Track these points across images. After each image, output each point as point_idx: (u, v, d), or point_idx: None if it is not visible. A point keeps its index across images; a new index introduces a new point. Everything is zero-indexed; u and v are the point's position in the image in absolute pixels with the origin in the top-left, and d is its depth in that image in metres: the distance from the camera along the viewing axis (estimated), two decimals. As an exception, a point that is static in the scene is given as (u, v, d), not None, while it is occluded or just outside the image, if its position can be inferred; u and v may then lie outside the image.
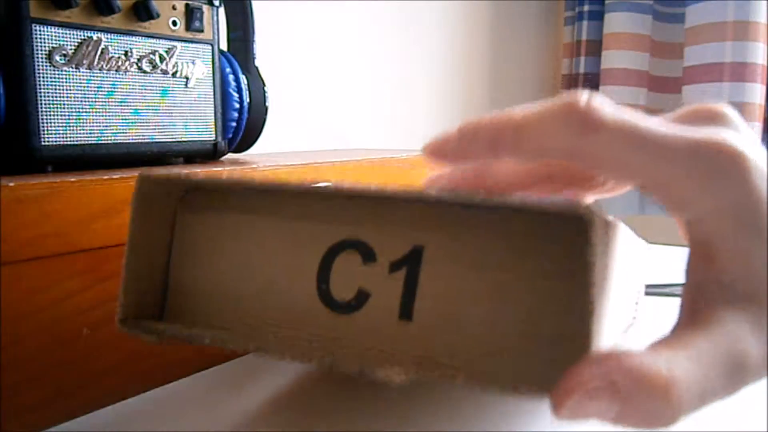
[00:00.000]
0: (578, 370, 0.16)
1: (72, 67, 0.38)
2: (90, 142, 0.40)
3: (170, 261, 0.27)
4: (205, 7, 0.45)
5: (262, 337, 0.23)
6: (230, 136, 0.49)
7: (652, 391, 0.16)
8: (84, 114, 0.39)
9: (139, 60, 0.42)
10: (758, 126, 0.97)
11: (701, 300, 0.18)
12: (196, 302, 0.26)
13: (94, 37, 0.39)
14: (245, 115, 0.50)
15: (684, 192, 0.18)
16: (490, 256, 0.19)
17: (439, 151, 0.22)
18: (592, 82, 1.13)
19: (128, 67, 0.41)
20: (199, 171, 0.25)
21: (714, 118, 0.20)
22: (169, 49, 0.43)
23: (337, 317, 0.21)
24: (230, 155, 0.54)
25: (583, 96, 0.19)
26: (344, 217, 0.22)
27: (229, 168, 0.35)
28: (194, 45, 0.45)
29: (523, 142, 0.20)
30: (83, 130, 0.39)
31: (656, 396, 0.16)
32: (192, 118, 0.45)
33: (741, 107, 0.96)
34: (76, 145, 0.39)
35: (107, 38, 0.40)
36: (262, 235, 0.23)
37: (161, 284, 0.27)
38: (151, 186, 0.25)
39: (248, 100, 0.50)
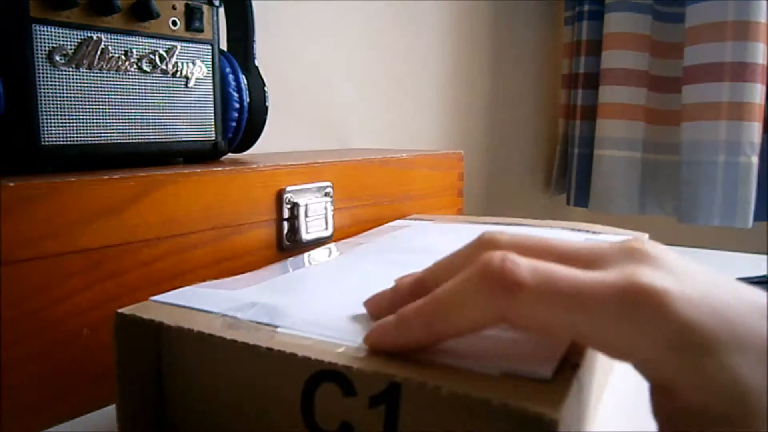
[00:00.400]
0: None
1: (72, 67, 0.38)
2: (90, 142, 0.40)
3: (162, 375, 0.28)
4: (205, 7, 0.45)
5: None
6: (230, 136, 0.49)
7: None
8: (84, 114, 0.39)
9: (139, 60, 0.42)
10: (758, 126, 0.97)
11: None
12: (191, 416, 0.27)
13: (94, 37, 0.39)
14: (245, 115, 0.50)
15: (619, 341, 0.18)
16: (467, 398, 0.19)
17: (380, 343, 0.21)
18: (592, 82, 1.13)
19: (128, 67, 0.41)
20: (171, 314, 0.25)
21: (633, 255, 0.20)
22: (169, 49, 0.43)
23: None
24: (230, 155, 0.54)
25: (496, 258, 0.19)
26: (318, 347, 0.22)
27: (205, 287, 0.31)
28: (194, 45, 0.45)
29: (453, 324, 0.20)
30: (83, 130, 0.39)
31: None
32: (192, 118, 0.45)
33: (741, 107, 0.96)
34: (76, 145, 0.39)
35: (107, 38, 0.40)
36: (241, 365, 0.24)
37: (157, 396, 0.28)
38: (128, 323, 0.26)
39: (248, 100, 0.50)
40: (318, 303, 0.28)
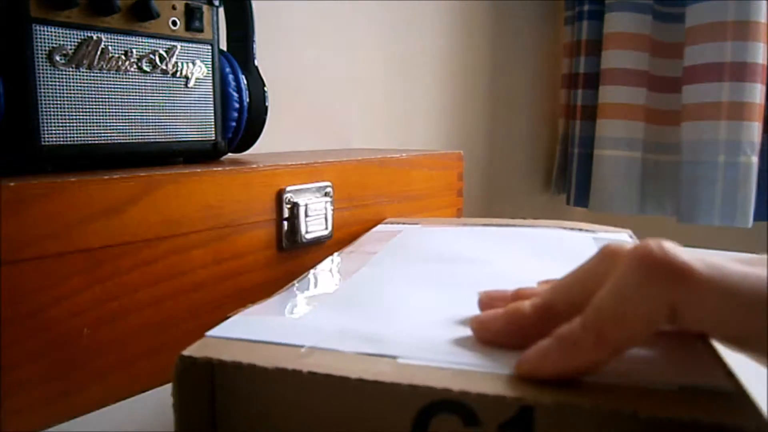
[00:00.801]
0: None
1: (72, 67, 0.38)
2: (90, 142, 0.40)
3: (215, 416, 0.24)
4: (205, 7, 0.45)
5: None
6: (230, 136, 0.49)
7: None
8: (84, 114, 0.39)
9: (139, 60, 0.42)
10: (758, 126, 0.97)
11: None
12: None
13: (94, 37, 0.39)
14: (245, 115, 0.50)
15: None
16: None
17: (541, 369, 0.19)
18: (592, 82, 1.13)
19: (128, 67, 0.41)
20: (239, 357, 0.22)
21: None
22: (169, 49, 0.43)
23: None
24: (230, 155, 0.54)
25: (653, 246, 0.18)
26: (427, 374, 0.19)
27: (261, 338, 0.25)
28: (194, 45, 0.45)
29: (628, 328, 0.18)
30: (83, 130, 0.39)
31: None
32: (192, 118, 0.45)
33: (741, 107, 0.96)
34: (76, 145, 0.39)
35: (107, 38, 0.40)
36: (330, 401, 0.21)
37: None
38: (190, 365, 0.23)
39: (248, 100, 0.50)
40: (403, 324, 0.25)
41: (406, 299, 0.29)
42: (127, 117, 0.41)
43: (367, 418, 0.20)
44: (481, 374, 0.19)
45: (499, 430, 0.18)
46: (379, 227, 0.52)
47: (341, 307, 0.28)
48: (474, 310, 0.25)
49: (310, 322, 0.25)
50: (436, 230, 0.48)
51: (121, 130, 0.41)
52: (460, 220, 0.54)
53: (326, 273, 0.36)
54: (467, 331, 0.23)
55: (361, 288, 0.32)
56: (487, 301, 0.25)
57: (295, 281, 0.34)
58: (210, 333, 0.25)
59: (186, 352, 0.22)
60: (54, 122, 0.38)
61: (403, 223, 0.52)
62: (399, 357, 0.20)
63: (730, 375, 0.19)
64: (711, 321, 0.18)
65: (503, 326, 0.22)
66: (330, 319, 0.26)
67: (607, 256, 0.21)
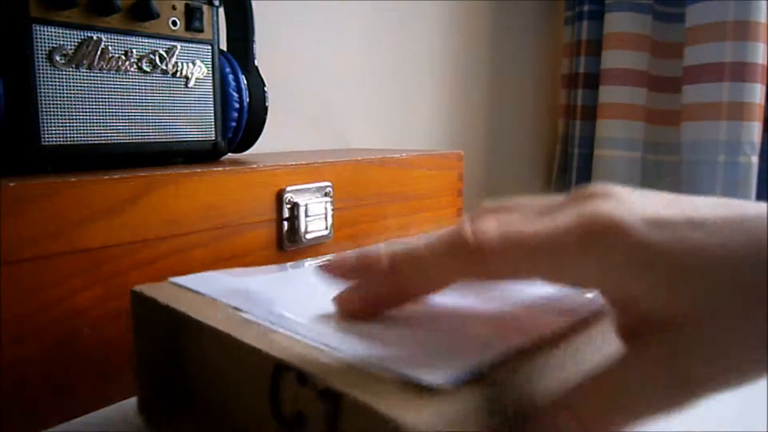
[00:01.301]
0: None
1: (72, 67, 0.38)
2: (90, 142, 0.40)
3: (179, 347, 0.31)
4: (205, 7, 0.45)
5: None
6: (230, 136, 0.49)
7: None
8: (84, 114, 0.39)
9: (139, 60, 0.42)
10: (758, 126, 0.97)
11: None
12: (198, 388, 0.31)
13: (94, 37, 0.39)
14: (245, 115, 0.50)
15: (583, 274, 0.19)
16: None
17: (341, 271, 0.24)
18: (592, 82, 1.13)
19: (128, 67, 0.41)
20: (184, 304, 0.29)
21: (586, 197, 0.21)
22: (169, 49, 0.43)
23: None
24: (230, 155, 0.54)
25: (467, 227, 0.21)
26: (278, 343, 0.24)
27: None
28: (194, 45, 0.45)
29: (421, 279, 0.22)
30: (83, 130, 0.39)
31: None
32: (192, 118, 0.45)
33: (741, 107, 0.96)
34: (76, 145, 0.39)
35: (107, 38, 0.40)
36: (222, 351, 0.26)
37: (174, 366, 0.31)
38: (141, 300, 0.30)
39: (248, 100, 0.50)
40: (305, 304, 0.28)
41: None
42: (127, 117, 0.41)
43: (240, 365, 0.26)
44: (316, 349, 0.22)
45: (319, 393, 0.21)
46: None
47: (285, 283, 0.33)
48: None
49: (247, 287, 0.31)
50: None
51: (121, 130, 0.41)
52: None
53: (314, 262, 0.39)
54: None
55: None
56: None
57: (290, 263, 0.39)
58: (171, 279, 0.32)
59: (136, 288, 0.30)
60: (54, 122, 0.38)
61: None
62: (275, 325, 0.25)
63: (451, 373, 0.20)
64: (506, 278, 0.22)
65: (354, 263, 0.24)
66: (263, 287, 0.31)
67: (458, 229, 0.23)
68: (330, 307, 0.27)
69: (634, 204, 0.19)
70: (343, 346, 0.22)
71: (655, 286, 0.18)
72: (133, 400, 0.38)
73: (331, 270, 0.24)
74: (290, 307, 0.28)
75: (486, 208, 0.24)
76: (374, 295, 0.23)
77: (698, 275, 0.18)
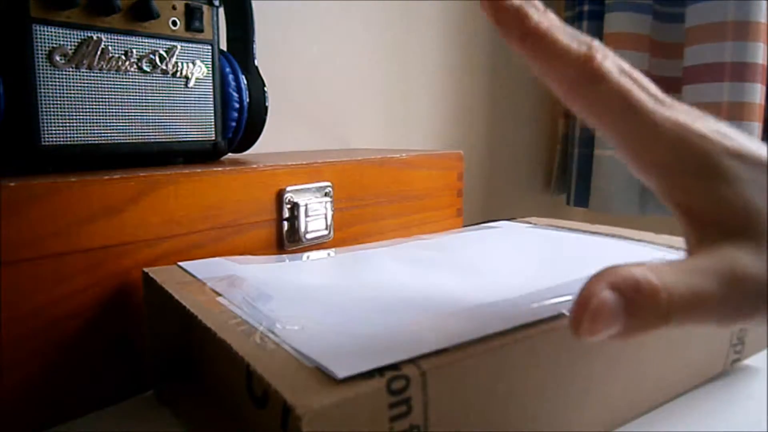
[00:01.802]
0: (585, 288, 0.19)
1: (72, 67, 0.38)
2: (90, 142, 0.40)
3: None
4: (205, 7, 0.45)
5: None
6: (230, 136, 0.49)
7: (645, 295, 0.19)
8: (84, 114, 0.39)
9: (139, 60, 0.42)
10: (758, 126, 0.97)
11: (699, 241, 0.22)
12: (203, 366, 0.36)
13: (94, 37, 0.39)
14: (245, 115, 0.50)
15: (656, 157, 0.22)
16: None
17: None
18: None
19: (128, 67, 0.41)
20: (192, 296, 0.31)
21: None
22: (169, 49, 0.43)
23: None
24: (230, 155, 0.54)
25: (599, 54, 0.23)
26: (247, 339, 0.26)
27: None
28: (194, 45, 0.45)
29: (540, 48, 0.24)
30: (83, 130, 0.39)
31: (647, 298, 0.19)
32: (192, 118, 0.45)
33: (741, 107, 0.96)
34: (76, 145, 0.39)
35: (107, 38, 0.40)
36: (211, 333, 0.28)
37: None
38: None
39: (248, 100, 0.50)
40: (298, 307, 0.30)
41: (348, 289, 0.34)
42: (127, 117, 0.41)
43: (221, 357, 0.30)
44: (285, 360, 0.23)
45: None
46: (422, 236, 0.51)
47: (280, 273, 0.36)
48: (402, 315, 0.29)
49: (240, 272, 0.35)
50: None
51: (121, 130, 0.41)
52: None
53: (317, 254, 0.43)
54: (345, 327, 0.27)
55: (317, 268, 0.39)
56: None
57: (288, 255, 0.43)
58: (180, 263, 0.37)
59: (145, 269, 0.36)
60: (54, 122, 0.38)
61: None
62: (260, 328, 0.26)
63: (359, 366, 0.22)
64: (600, 122, 0.24)
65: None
66: (257, 276, 0.34)
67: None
68: (312, 295, 0.31)
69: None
70: (289, 339, 0.25)
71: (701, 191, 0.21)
72: (133, 400, 0.38)
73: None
74: (274, 296, 0.31)
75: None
76: None
77: None
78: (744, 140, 0.22)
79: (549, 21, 0.24)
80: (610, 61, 0.23)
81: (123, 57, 0.41)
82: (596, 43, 0.23)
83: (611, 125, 0.23)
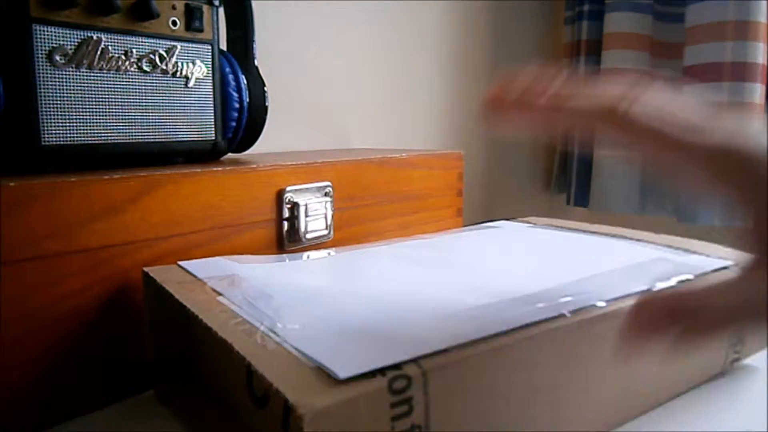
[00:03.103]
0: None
1: (72, 67, 0.38)
2: (90, 142, 0.40)
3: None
4: (205, 7, 0.45)
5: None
6: (230, 136, 0.49)
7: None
8: (84, 114, 0.39)
9: (139, 60, 0.42)
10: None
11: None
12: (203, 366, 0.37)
13: (94, 37, 0.39)
14: (245, 115, 0.50)
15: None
16: None
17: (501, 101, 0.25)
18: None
19: (128, 67, 0.41)
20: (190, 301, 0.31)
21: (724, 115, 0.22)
22: (169, 49, 0.43)
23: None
24: (230, 155, 0.54)
25: (625, 102, 0.22)
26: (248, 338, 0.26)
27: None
28: (194, 45, 0.45)
29: (569, 113, 0.23)
30: (83, 130, 0.39)
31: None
32: (192, 118, 0.45)
33: (741, 107, 0.96)
34: (76, 145, 0.39)
35: (107, 38, 0.40)
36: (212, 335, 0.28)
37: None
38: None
39: (248, 100, 0.50)
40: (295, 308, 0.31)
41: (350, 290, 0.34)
42: (127, 117, 0.41)
43: (221, 357, 0.30)
44: (287, 359, 0.23)
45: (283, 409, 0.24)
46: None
47: (274, 275, 0.36)
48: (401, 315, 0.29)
49: (240, 272, 0.35)
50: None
51: (121, 130, 0.41)
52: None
53: (317, 253, 0.43)
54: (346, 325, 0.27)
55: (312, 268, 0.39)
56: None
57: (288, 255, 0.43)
58: (180, 263, 0.37)
59: (145, 269, 0.36)
60: (54, 122, 0.38)
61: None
62: (261, 328, 0.26)
63: (361, 366, 0.22)
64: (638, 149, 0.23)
65: (529, 81, 0.25)
66: (258, 275, 0.35)
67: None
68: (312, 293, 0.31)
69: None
70: (290, 338, 0.25)
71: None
72: (133, 400, 0.38)
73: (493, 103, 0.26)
74: (275, 295, 0.31)
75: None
76: None
77: None
78: None
79: (559, 89, 0.24)
80: (638, 105, 0.22)
81: (123, 57, 0.41)
82: (619, 90, 0.23)
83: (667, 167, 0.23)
